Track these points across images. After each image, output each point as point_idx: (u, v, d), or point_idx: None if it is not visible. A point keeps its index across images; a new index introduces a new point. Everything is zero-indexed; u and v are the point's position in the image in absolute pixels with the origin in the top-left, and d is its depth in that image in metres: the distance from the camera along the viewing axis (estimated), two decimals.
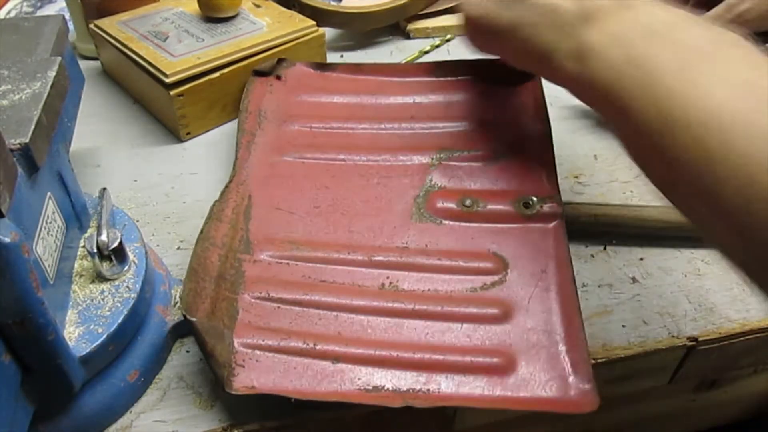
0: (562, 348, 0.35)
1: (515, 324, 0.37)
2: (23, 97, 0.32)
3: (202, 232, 0.39)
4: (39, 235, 0.30)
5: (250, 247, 0.40)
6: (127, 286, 0.34)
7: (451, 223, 0.42)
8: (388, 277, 0.39)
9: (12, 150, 0.28)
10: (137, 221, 0.41)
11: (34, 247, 0.29)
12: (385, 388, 0.34)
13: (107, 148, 0.52)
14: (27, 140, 0.29)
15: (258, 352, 0.35)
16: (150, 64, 0.51)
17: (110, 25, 0.56)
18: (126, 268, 0.35)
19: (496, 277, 0.39)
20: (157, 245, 0.43)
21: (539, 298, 0.38)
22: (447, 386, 0.34)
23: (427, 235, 0.42)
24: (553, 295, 0.38)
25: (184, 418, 0.34)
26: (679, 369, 0.40)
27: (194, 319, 0.33)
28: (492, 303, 0.38)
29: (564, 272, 0.39)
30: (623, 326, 0.39)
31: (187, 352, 0.37)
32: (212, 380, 0.36)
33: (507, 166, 0.46)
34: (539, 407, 0.33)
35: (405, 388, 0.34)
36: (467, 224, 0.42)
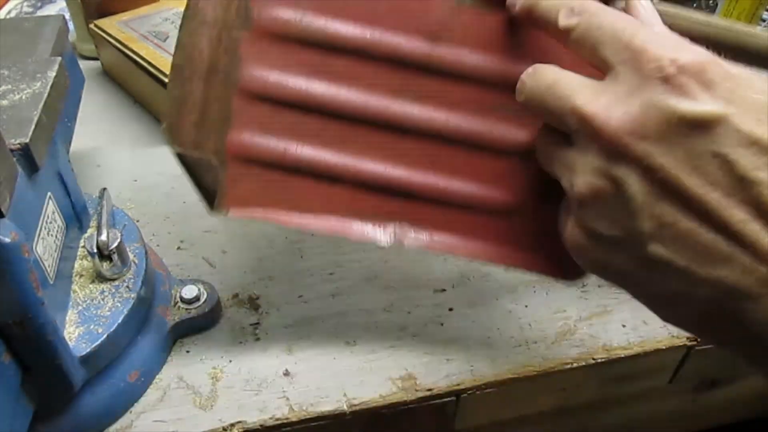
0: None
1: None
2: (23, 97, 0.32)
3: (189, 8, 0.30)
4: (39, 235, 0.30)
5: (249, 19, 0.31)
6: (127, 286, 0.34)
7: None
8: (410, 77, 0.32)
9: (12, 150, 0.28)
10: (137, 221, 0.41)
11: (34, 247, 0.29)
12: (377, 216, 0.32)
13: (107, 148, 0.52)
14: (27, 140, 0.29)
15: (253, 169, 0.31)
16: (150, 64, 0.51)
17: (110, 25, 0.56)
18: (126, 268, 0.35)
19: None
20: (157, 245, 0.43)
21: None
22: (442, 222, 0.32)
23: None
24: None
25: (184, 418, 0.34)
26: (679, 369, 0.40)
27: (179, 150, 0.30)
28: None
29: None
30: (623, 326, 0.39)
31: (187, 352, 0.37)
32: (212, 380, 0.36)
33: None
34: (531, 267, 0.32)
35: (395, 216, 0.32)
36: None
